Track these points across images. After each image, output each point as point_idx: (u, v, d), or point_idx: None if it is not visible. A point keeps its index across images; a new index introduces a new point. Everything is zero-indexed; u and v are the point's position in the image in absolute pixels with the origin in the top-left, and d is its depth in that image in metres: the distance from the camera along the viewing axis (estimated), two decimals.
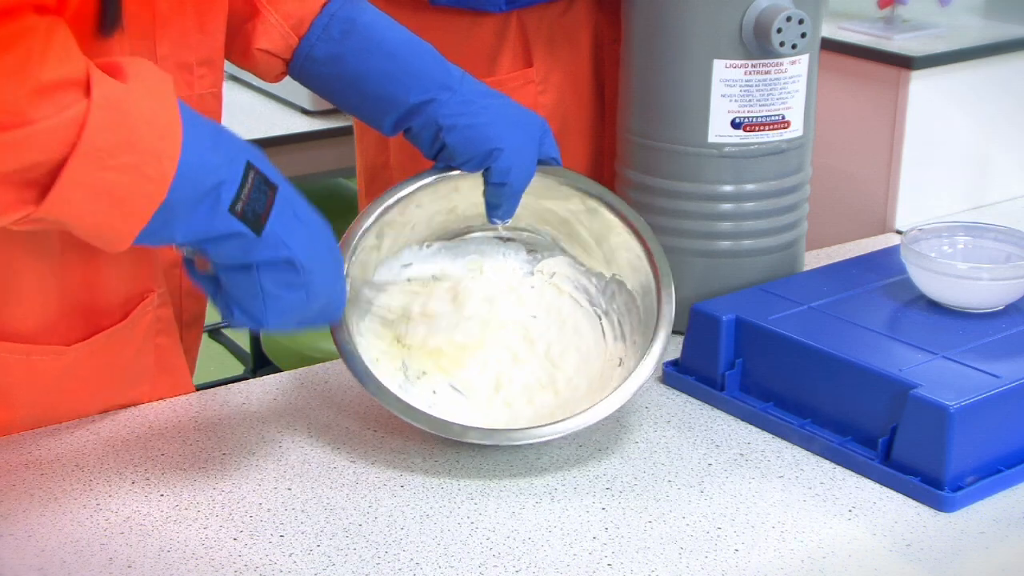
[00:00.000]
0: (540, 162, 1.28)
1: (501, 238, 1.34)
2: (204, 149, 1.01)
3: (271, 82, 1.32)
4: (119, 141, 0.96)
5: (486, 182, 1.26)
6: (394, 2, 1.49)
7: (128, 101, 0.97)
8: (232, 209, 1.02)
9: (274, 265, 1.05)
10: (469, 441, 1.16)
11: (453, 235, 1.33)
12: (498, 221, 1.29)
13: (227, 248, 1.04)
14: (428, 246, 1.32)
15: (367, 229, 1.24)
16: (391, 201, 1.26)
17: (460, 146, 1.25)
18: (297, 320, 1.10)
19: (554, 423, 1.16)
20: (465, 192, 1.28)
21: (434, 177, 1.27)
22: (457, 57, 1.47)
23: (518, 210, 1.28)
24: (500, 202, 1.26)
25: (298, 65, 1.29)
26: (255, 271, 1.05)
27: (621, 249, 1.29)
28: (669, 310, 1.22)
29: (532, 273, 1.33)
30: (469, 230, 1.33)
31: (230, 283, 1.07)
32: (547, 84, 1.52)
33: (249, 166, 1.04)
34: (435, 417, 1.17)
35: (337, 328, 1.18)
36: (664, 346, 1.20)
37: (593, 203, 1.30)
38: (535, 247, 1.34)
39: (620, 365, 1.25)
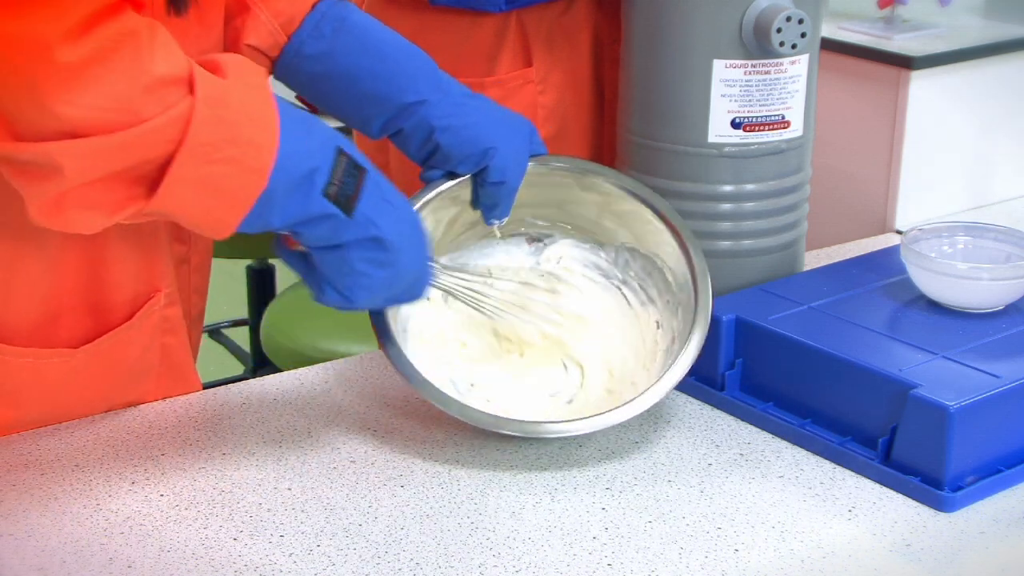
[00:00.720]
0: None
1: (502, 234, 1.34)
2: (299, 138, 1.05)
3: None
4: (222, 136, 0.99)
5: (481, 184, 1.26)
6: (394, 2, 1.49)
7: (229, 96, 1.01)
8: (325, 193, 1.06)
9: (363, 244, 1.09)
10: (545, 436, 1.18)
11: (456, 245, 1.32)
12: (496, 221, 1.29)
13: (320, 230, 1.07)
14: (437, 260, 1.30)
15: None
16: None
17: (455, 147, 1.25)
18: (385, 297, 1.14)
19: (611, 411, 1.17)
20: (464, 203, 1.28)
21: (433, 193, 1.27)
22: (457, 57, 1.47)
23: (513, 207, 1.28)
24: (497, 201, 1.27)
25: (286, 63, 1.28)
26: (345, 250, 1.09)
27: (630, 216, 1.30)
28: (704, 277, 1.24)
29: (539, 263, 1.33)
30: (470, 237, 1.33)
31: (322, 262, 1.10)
32: (547, 84, 1.52)
33: (339, 151, 1.07)
34: (509, 418, 1.18)
35: (386, 343, 1.19)
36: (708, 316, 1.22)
37: (590, 179, 1.30)
38: (536, 237, 1.34)
39: (659, 328, 1.27)
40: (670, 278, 1.27)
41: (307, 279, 1.14)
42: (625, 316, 1.30)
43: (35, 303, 1.16)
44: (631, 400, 1.17)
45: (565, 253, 1.33)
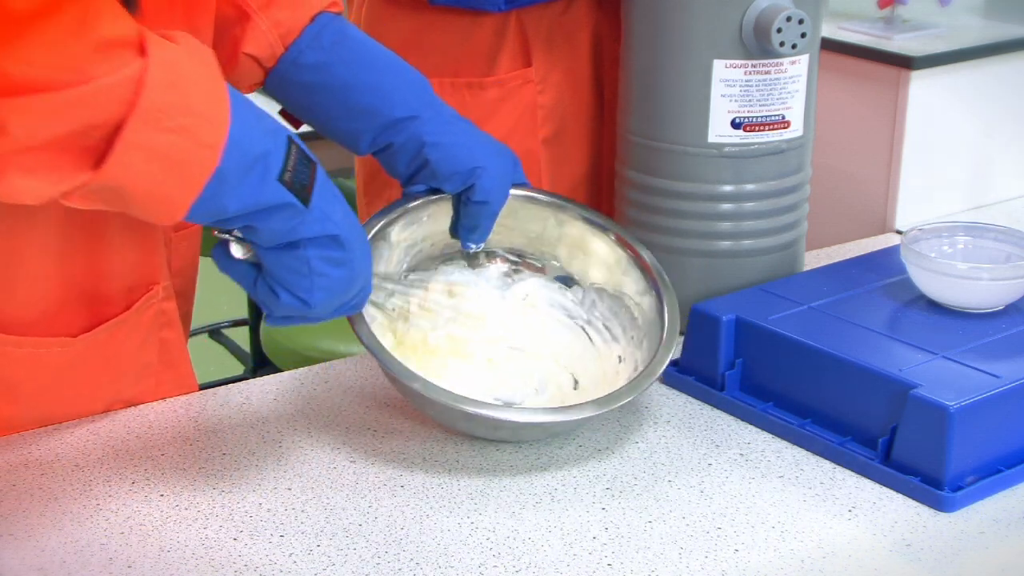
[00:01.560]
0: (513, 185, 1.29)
1: (472, 264, 1.33)
2: (250, 119, 1.01)
3: (245, 92, 1.30)
4: (176, 102, 0.96)
5: (465, 203, 1.26)
6: (394, 2, 1.49)
7: (182, 63, 0.97)
8: (281, 179, 1.02)
9: (320, 241, 1.05)
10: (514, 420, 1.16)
11: (426, 263, 1.32)
12: (472, 245, 1.29)
13: (276, 222, 1.03)
14: (406, 276, 1.29)
15: None
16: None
17: (444, 164, 1.25)
18: (338, 303, 1.10)
19: (588, 402, 1.16)
20: (439, 219, 1.28)
21: (407, 206, 1.27)
22: (457, 56, 1.47)
23: (490, 235, 1.28)
24: (477, 223, 1.26)
25: (280, 72, 1.28)
26: (302, 248, 1.05)
27: (598, 255, 1.30)
28: (672, 307, 1.24)
29: (504, 298, 1.33)
30: (442, 257, 1.32)
31: (277, 265, 1.06)
32: (546, 84, 1.52)
33: (290, 139, 1.04)
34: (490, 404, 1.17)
35: (356, 321, 1.17)
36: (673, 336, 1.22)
37: (564, 216, 1.31)
38: (508, 272, 1.33)
39: (621, 362, 1.26)
40: (637, 314, 1.27)
41: (255, 289, 1.09)
42: (586, 351, 1.30)
43: (37, 293, 1.16)
44: (614, 391, 1.17)
45: (531, 291, 1.33)
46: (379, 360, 1.15)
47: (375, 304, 1.23)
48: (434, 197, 1.27)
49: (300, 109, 1.30)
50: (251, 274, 1.09)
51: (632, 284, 1.29)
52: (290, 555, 1.05)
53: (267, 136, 1.02)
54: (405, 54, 1.38)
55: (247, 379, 1.34)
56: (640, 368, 1.21)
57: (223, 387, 1.31)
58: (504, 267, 1.33)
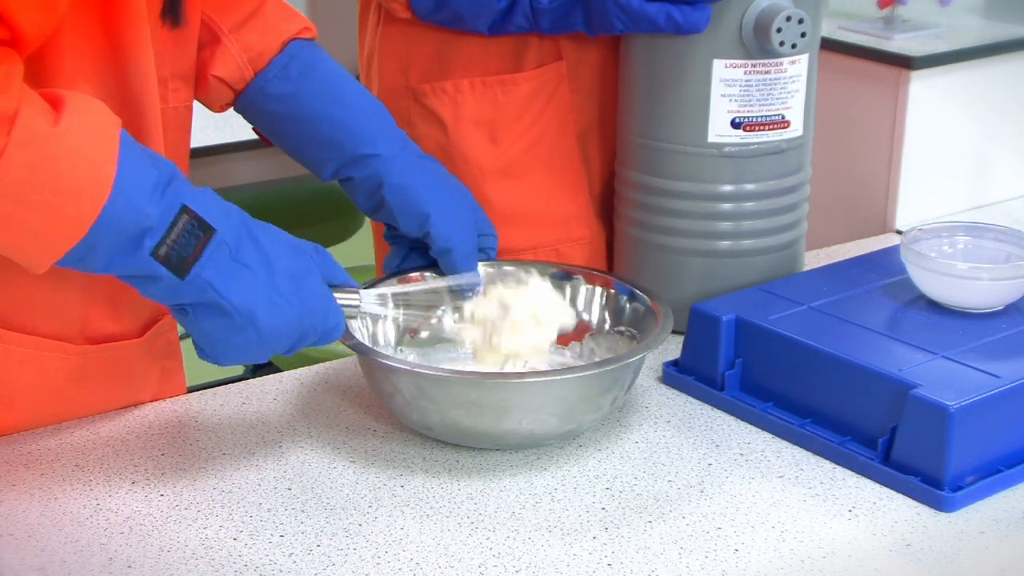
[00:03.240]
0: (480, 239, 1.29)
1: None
2: (138, 193, 1.01)
3: (216, 111, 1.32)
4: (36, 179, 0.97)
5: (435, 255, 1.27)
6: (412, 22, 1.46)
7: (53, 142, 0.98)
8: (154, 253, 1.02)
9: (206, 308, 1.05)
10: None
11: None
12: (469, 294, 1.28)
13: (153, 289, 1.05)
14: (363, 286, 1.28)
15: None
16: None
17: (399, 205, 1.27)
18: (267, 352, 1.09)
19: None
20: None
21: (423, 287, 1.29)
22: (484, 56, 1.45)
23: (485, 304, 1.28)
24: (455, 270, 1.27)
25: (249, 98, 1.29)
26: (191, 313, 1.06)
27: (592, 305, 1.31)
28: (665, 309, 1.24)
29: (503, 367, 1.30)
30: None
31: (181, 322, 1.08)
32: (578, 79, 1.49)
33: (184, 209, 1.03)
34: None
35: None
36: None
37: (548, 273, 1.32)
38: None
39: None
40: (634, 332, 1.28)
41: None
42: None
43: (68, 301, 1.17)
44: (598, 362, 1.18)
45: (531, 357, 1.29)
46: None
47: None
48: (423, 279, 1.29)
49: (268, 133, 1.32)
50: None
51: (625, 316, 1.30)
52: (290, 555, 1.05)
53: (152, 211, 1.02)
54: (434, 63, 1.38)
55: (247, 379, 1.34)
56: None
57: (223, 387, 1.31)
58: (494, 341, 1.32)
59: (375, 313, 1.24)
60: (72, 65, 1.08)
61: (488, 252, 1.32)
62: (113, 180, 1.00)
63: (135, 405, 1.27)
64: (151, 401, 1.28)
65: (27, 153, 0.96)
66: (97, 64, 1.10)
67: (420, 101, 1.46)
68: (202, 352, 1.09)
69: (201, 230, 1.04)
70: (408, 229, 1.28)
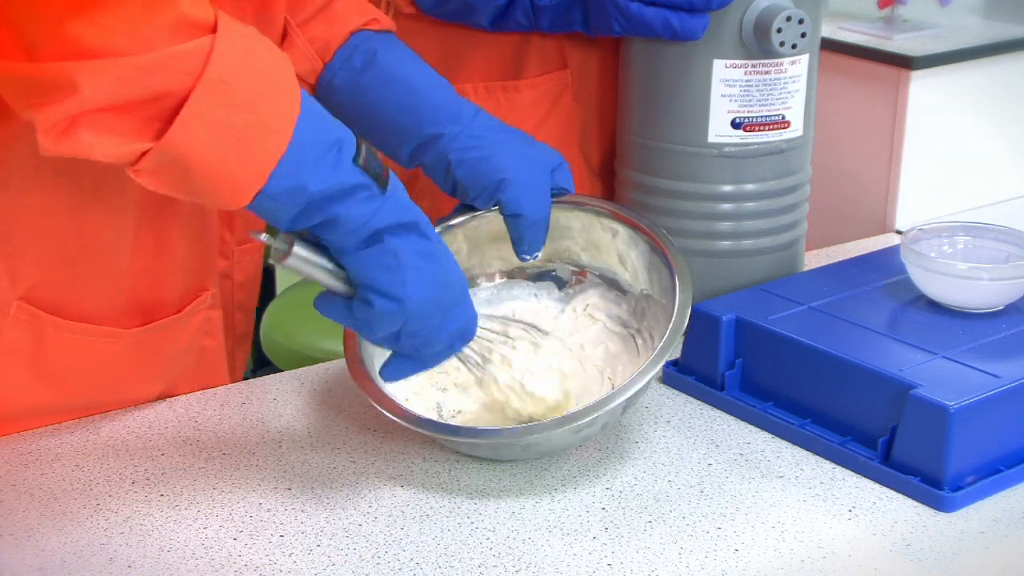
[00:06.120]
0: (553, 193, 1.27)
1: (531, 279, 1.32)
2: (317, 107, 1.01)
3: None
4: (244, 77, 0.96)
5: (504, 218, 1.26)
6: (419, 18, 1.46)
7: (253, 44, 0.98)
8: (356, 162, 1.01)
9: (404, 229, 1.03)
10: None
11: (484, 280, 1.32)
12: (527, 257, 1.28)
13: (357, 207, 1.01)
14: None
15: None
16: None
17: (469, 180, 1.25)
18: (435, 305, 1.05)
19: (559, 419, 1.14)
20: (478, 238, 1.28)
21: (458, 220, 1.27)
22: (486, 61, 1.45)
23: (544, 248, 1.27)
24: (521, 235, 1.26)
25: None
26: (386, 238, 1.02)
27: (643, 260, 1.28)
28: (683, 310, 1.21)
29: (563, 311, 1.32)
30: (502, 273, 1.32)
31: (363, 264, 1.03)
32: (583, 87, 1.49)
33: (358, 133, 1.04)
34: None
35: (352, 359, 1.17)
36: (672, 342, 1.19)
37: (609, 222, 1.29)
38: (566, 282, 1.32)
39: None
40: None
41: (351, 316, 1.06)
42: (632, 362, 1.27)
43: (109, 285, 1.17)
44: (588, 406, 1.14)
45: (592, 303, 1.31)
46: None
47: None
48: (475, 214, 1.27)
49: (349, 127, 1.30)
50: (342, 304, 1.06)
51: (665, 287, 1.26)
52: (290, 555, 1.05)
53: (338, 124, 1.02)
54: (439, 67, 1.38)
55: (247, 379, 1.34)
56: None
57: (223, 387, 1.31)
58: (561, 279, 1.32)
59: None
60: None
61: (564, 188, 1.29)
62: (299, 86, 1.00)
63: (171, 391, 1.27)
64: (190, 383, 1.28)
65: (232, 49, 0.95)
66: None
67: None
68: (380, 302, 1.03)
69: (375, 151, 1.03)
70: (482, 202, 1.25)
